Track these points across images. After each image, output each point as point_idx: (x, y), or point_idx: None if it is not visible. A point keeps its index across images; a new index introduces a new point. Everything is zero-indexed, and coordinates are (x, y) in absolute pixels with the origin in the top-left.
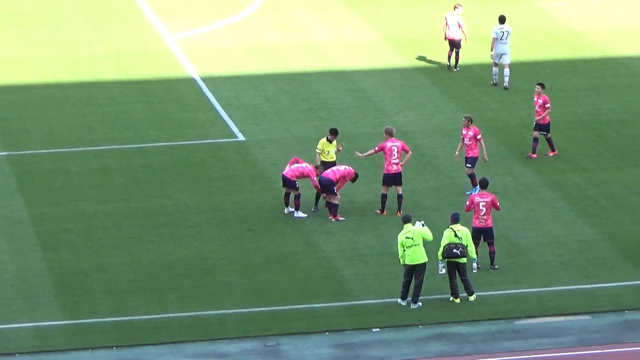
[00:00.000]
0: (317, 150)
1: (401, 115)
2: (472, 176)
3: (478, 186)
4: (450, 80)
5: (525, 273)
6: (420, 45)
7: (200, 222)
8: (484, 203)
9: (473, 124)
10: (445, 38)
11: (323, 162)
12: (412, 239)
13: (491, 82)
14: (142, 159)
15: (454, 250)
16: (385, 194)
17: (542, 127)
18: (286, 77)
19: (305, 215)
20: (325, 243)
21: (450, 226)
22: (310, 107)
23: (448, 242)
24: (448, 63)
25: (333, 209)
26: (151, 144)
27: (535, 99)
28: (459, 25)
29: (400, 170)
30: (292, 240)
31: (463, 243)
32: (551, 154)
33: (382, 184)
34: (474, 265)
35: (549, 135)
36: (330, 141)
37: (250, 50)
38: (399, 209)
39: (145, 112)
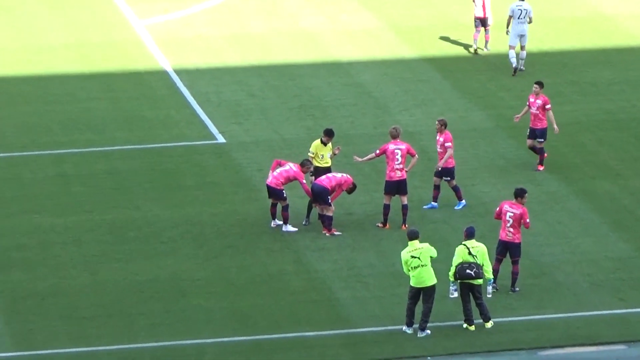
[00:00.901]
0: (309, 154)
1: (406, 113)
2: (455, 189)
3: (463, 200)
4: (463, 73)
5: (550, 296)
6: (428, 33)
7: (174, 237)
8: (512, 214)
9: (447, 128)
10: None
11: (316, 168)
12: (419, 258)
13: (512, 69)
14: (107, 164)
15: (468, 271)
16: (388, 205)
17: (539, 134)
18: (273, 70)
19: (296, 229)
20: (318, 261)
21: (463, 242)
22: (302, 104)
23: (461, 260)
24: (474, 46)
25: (327, 221)
26: (117, 147)
27: (532, 100)
28: (483, 3)
29: (404, 176)
30: (280, 258)
31: (478, 262)
32: (540, 168)
33: (384, 193)
34: (489, 288)
35: (544, 144)
36: (324, 144)
37: (231, 39)
38: (404, 222)
39: (110, 110)
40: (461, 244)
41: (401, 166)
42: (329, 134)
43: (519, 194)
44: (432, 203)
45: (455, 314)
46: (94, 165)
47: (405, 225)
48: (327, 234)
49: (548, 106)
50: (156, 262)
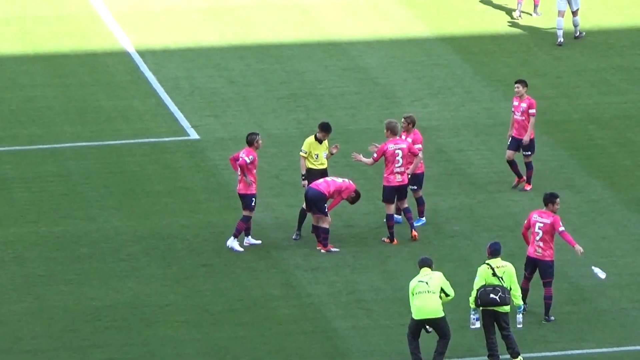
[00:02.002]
0: (301, 153)
1: (419, 104)
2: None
3: (424, 218)
4: (488, 55)
5: (592, 327)
6: (446, 7)
7: (137, 254)
8: (541, 225)
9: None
10: None
11: (310, 170)
12: (427, 283)
13: (557, 42)
14: (55, 165)
15: (492, 296)
16: (392, 215)
17: (525, 145)
18: (258, 51)
19: (241, 249)
20: (311, 284)
21: (487, 261)
22: (292, 92)
23: (484, 283)
24: (517, 11)
25: (322, 235)
26: (68, 144)
27: (516, 104)
28: None
29: (406, 181)
30: (266, 280)
31: (504, 285)
32: (528, 187)
33: (385, 201)
34: (519, 316)
35: (531, 157)
36: (319, 141)
37: (207, 13)
38: (413, 228)
39: (59, 99)
40: (484, 263)
41: (402, 169)
42: (324, 128)
43: (549, 200)
44: (420, 218)
45: (476, 348)
46: (40, 166)
47: (414, 232)
48: (322, 251)
49: (532, 110)
50: (115, 284)
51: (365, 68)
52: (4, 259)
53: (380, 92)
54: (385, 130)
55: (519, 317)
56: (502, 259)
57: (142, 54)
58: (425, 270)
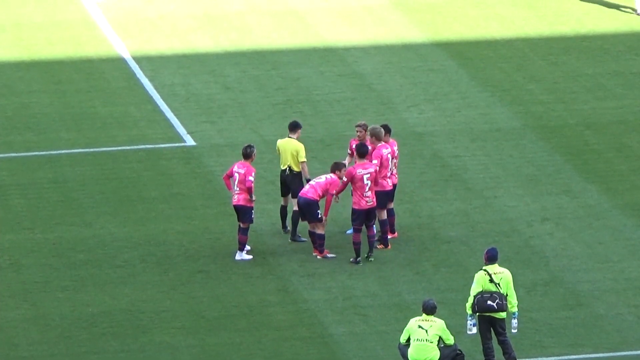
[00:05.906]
0: (303, 159)
1: (415, 110)
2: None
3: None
4: (484, 61)
5: (588, 332)
6: (442, 12)
7: (133, 261)
8: (368, 175)
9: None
10: None
11: (297, 174)
12: (427, 331)
13: (638, 12)
14: (51, 171)
15: (489, 302)
16: (386, 220)
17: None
18: (253, 57)
19: (250, 257)
20: (307, 290)
21: (484, 267)
22: (287, 98)
23: (481, 289)
24: None
25: (318, 241)
26: (64, 151)
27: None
28: None
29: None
30: (262, 286)
31: (501, 291)
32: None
33: (379, 208)
34: (514, 322)
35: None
36: None
37: (202, 19)
38: (381, 242)
39: (55, 105)
40: (482, 269)
41: (392, 171)
42: (293, 127)
43: (367, 152)
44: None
45: (473, 353)
46: (36, 173)
47: (387, 246)
48: (318, 257)
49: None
50: (111, 290)
51: (361, 74)
52: (0, 266)
53: (376, 97)
54: (370, 137)
55: (514, 322)
56: (499, 265)
57: (138, 60)
58: (427, 317)
